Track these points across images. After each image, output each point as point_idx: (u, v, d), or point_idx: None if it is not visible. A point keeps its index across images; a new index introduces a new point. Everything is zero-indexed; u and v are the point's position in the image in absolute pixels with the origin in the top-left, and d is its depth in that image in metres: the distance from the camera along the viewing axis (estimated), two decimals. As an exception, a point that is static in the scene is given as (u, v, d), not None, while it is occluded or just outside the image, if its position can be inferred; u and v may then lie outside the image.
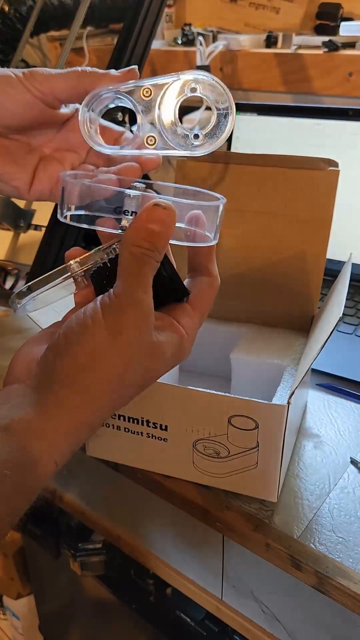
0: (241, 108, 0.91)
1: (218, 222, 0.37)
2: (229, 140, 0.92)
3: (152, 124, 0.40)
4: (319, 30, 1.06)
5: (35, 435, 0.32)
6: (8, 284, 0.87)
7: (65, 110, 0.43)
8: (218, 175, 0.62)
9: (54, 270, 0.37)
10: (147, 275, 0.34)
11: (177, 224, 0.36)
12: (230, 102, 0.38)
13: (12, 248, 0.87)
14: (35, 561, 0.98)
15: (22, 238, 0.88)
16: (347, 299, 0.48)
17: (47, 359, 0.35)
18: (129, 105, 0.40)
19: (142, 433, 0.52)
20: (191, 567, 0.66)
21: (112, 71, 0.40)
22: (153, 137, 0.40)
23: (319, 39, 1.02)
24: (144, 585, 0.77)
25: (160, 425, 0.51)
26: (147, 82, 0.39)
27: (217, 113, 0.38)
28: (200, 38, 1.09)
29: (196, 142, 0.39)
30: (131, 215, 0.36)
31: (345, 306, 0.47)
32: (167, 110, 0.39)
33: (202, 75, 0.38)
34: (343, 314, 0.45)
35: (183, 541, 0.65)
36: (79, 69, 0.40)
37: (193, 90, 0.39)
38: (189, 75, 0.39)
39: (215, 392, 0.47)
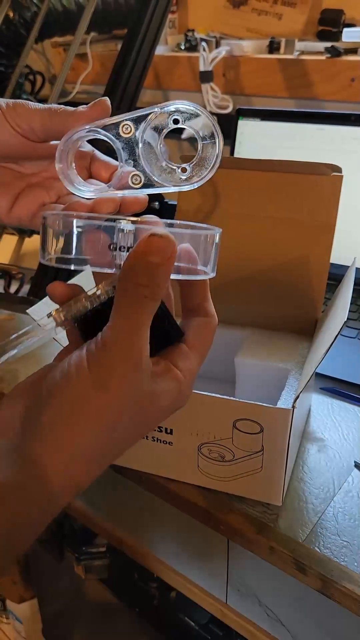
0: (244, 113, 0.91)
1: (214, 254, 0.34)
2: (232, 145, 0.93)
3: (136, 160, 0.37)
4: (321, 36, 1.06)
5: (17, 500, 0.29)
6: (13, 288, 0.88)
7: (56, 142, 0.40)
8: (221, 180, 0.62)
9: (34, 325, 0.35)
10: (143, 317, 0.31)
11: None
12: (217, 131, 0.36)
13: (17, 252, 0.88)
14: (38, 564, 0.98)
15: (26, 243, 0.88)
16: (350, 303, 0.48)
17: (29, 414, 0.32)
18: (109, 141, 0.38)
19: (147, 436, 0.52)
20: (195, 571, 0.66)
21: (81, 108, 0.38)
22: (138, 175, 0.38)
23: (322, 45, 1.02)
24: (148, 589, 0.77)
25: (166, 429, 0.51)
26: (126, 117, 0.37)
27: (203, 143, 0.36)
28: (203, 44, 1.09)
29: (184, 176, 0.37)
30: (127, 251, 0.32)
31: (348, 310, 0.47)
32: (150, 145, 0.37)
33: (184, 105, 0.36)
34: (347, 317, 0.45)
35: (187, 545, 0.65)
36: (53, 107, 0.38)
37: (176, 121, 0.36)
38: (170, 107, 0.36)
39: (220, 396, 0.48)
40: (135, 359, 0.31)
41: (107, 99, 0.38)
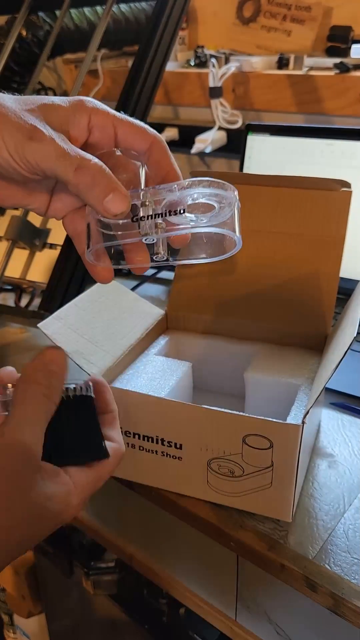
0: (253, 129, 0.92)
1: (236, 217, 0.36)
2: (241, 161, 0.93)
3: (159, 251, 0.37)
4: (330, 52, 1.07)
5: None
6: (23, 302, 0.88)
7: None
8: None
9: None
10: (40, 414, 0.33)
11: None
12: (231, 200, 0.36)
13: (28, 266, 0.88)
14: (47, 579, 0.97)
15: (37, 257, 0.89)
16: (360, 318, 0.48)
17: None
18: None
19: (157, 451, 0.52)
20: (205, 587, 0.65)
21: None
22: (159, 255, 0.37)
23: (331, 61, 1.03)
24: (157, 605, 0.76)
25: (175, 444, 0.51)
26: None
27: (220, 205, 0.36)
28: (213, 60, 1.10)
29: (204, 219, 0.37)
30: (150, 219, 0.35)
31: (359, 325, 0.47)
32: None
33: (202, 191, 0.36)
34: (357, 332, 0.45)
35: (197, 561, 0.65)
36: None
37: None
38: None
39: (229, 411, 0.48)
40: (25, 451, 0.31)
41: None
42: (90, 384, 0.38)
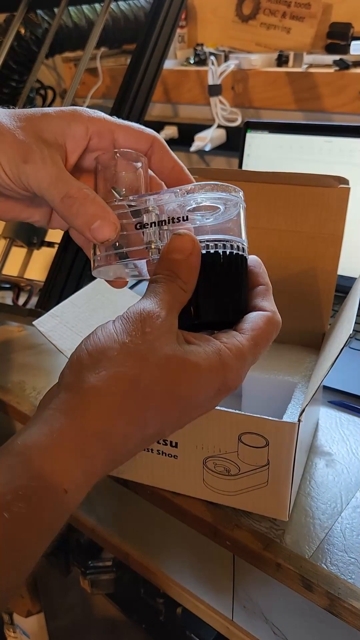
0: (252, 126, 0.92)
1: (242, 218, 0.36)
2: (240, 158, 0.93)
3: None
4: (329, 49, 1.07)
5: (40, 455, 0.28)
6: (21, 300, 0.88)
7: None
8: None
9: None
10: (174, 302, 0.33)
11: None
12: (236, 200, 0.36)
13: (25, 265, 0.88)
14: (45, 578, 0.97)
15: (35, 255, 0.89)
16: (358, 316, 0.48)
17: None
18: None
19: (152, 450, 0.52)
20: (201, 587, 0.65)
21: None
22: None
23: (330, 58, 1.03)
24: (154, 605, 0.76)
25: (171, 442, 0.51)
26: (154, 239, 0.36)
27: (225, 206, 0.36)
28: (212, 58, 1.10)
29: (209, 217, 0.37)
30: (154, 226, 0.36)
31: (356, 322, 0.47)
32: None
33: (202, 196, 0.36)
34: (354, 330, 0.45)
35: (193, 560, 0.65)
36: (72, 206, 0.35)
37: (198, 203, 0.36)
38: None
39: (225, 409, 0.47)
40: (158, 320, 0.31)
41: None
42: (246, 245, 0.37)
